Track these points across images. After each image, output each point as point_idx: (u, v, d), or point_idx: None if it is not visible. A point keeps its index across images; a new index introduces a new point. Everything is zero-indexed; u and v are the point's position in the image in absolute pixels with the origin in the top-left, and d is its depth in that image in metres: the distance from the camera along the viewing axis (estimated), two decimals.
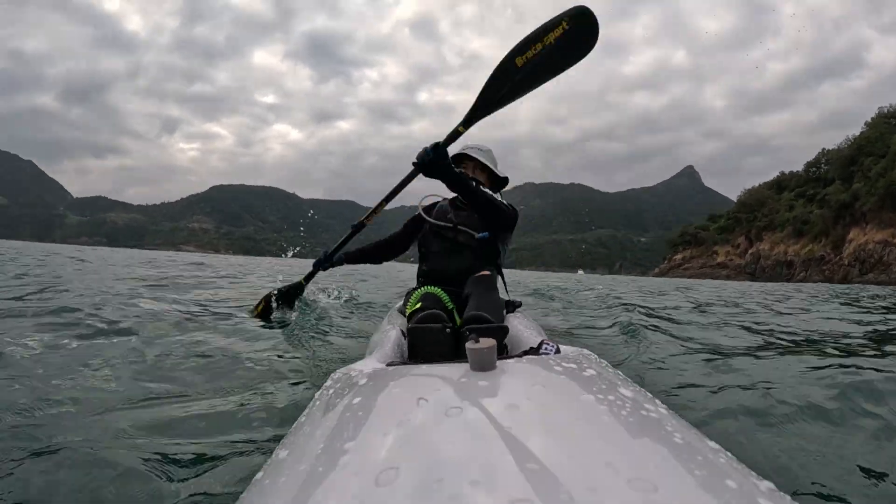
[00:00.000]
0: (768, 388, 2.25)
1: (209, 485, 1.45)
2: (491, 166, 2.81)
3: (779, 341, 4.02)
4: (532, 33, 2.22)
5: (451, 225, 2.65)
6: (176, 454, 1.63)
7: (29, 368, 2.28)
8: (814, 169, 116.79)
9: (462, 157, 2.82)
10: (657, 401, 0.90)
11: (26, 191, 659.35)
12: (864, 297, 14.51)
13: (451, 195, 2.75)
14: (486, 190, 2.57)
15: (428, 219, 2.75)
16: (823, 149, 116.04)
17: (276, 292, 3.63)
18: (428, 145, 2.33)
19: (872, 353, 3.46)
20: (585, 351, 1.27)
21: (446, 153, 2.34)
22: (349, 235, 3.24)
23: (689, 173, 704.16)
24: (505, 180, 2.94)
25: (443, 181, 2.36)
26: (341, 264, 3.32)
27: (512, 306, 2.51)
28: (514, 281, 9.80)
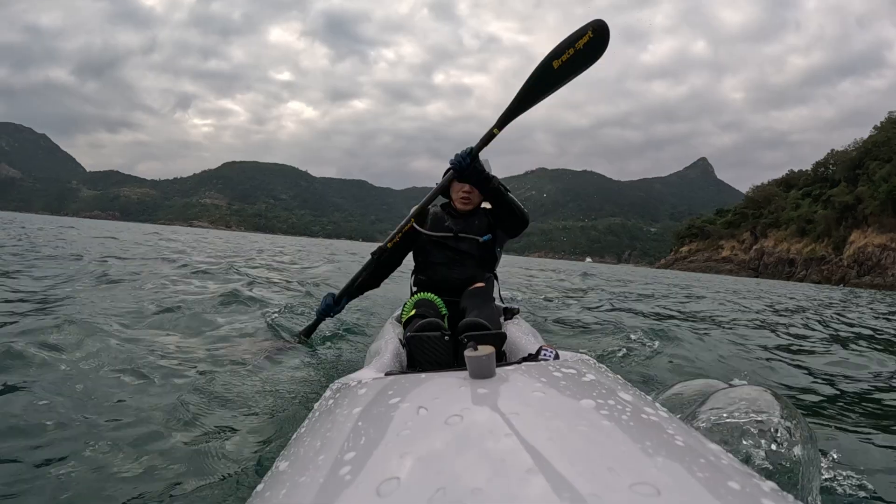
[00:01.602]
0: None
1: (210, 497, 1.43)
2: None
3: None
4: (565, 40, 2.49)
5: (451, 234, 2.63)
6: (176, 464, 1.65)
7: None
8: (822, 169, 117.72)
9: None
10: (657, 404, 0.91)
11: (40, 164, 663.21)
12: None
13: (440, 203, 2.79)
14: (512, 196, 2.58)
15: (424, 231, 2.68)
16: (832, 149, 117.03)
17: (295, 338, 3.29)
18: (462, 151, 2.43)
19: None
20: (584, 356, 1.27)
21: (477, 158, 2.47)
22: (368, 266, 2.87)
23: (703, 165, 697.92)
24: None
25: (476, 186, 2.54)
26: (346, 304, 2.99)
27: (510, 312, 2.49)
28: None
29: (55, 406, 1.96)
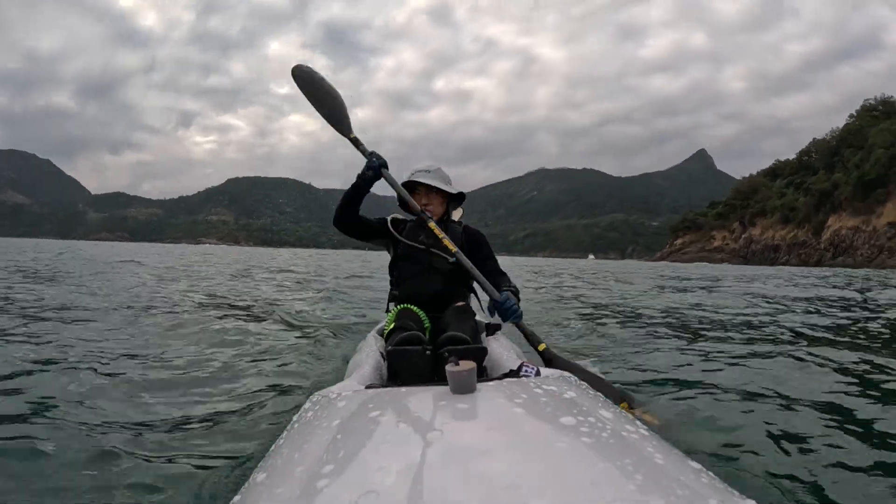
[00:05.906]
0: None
1: None
2: (443, 187, 2.63)
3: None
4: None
5: (423, 248, 2.55)
6: (154, 469, 1.66)
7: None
8: (805, 157, 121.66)
9: (414, 185, 2.66)
10: (638, 422, 0.91)
11: (45, 189, 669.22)
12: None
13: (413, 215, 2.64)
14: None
15: (399, 237, 2.62)
16: (814, 138, 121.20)
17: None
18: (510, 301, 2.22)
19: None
20: (566, 373, 1.27)
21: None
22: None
23: (701, 157, 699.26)
24: (461, 196, 2.76)
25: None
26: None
27: (493, 328, 2.43)
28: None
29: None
